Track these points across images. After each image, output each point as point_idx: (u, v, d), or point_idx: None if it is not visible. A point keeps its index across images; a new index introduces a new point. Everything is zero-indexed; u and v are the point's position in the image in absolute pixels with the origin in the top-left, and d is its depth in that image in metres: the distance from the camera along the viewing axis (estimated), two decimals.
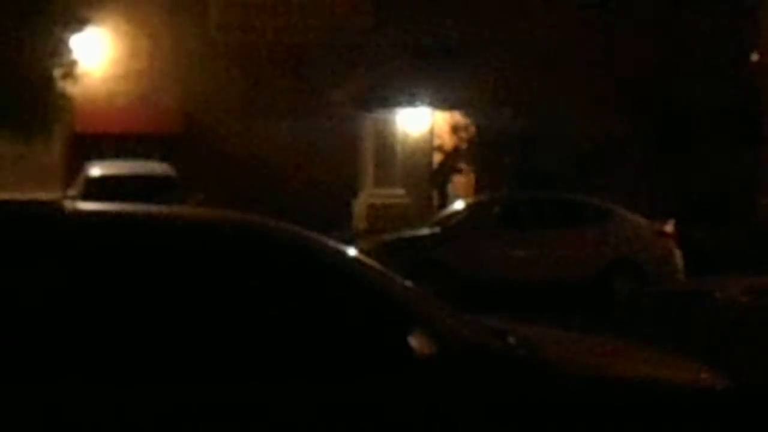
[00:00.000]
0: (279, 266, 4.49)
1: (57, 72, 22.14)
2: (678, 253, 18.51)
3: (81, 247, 4.37)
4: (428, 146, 27.50)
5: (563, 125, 24.01)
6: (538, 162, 24.11)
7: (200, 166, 25.17)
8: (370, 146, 27.11)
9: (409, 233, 19.02)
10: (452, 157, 26.94)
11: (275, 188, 26.08)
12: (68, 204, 5.86)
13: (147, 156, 23.16)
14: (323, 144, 26.66)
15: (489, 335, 4.74)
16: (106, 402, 4.06)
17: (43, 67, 21.71)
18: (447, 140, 27.07)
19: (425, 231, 18.84)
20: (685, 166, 25.22)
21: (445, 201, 25.86)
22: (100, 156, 22.29)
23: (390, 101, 26.24)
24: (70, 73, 22.45)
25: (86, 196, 17.30)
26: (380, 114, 26.72)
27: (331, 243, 4.79)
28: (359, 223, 26.31)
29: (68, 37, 22.70)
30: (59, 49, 22.18)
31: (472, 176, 26.86)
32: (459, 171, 27.04)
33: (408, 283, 4.83)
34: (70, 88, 22.74)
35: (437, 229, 18.70)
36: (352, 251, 4.85)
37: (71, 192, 19.41)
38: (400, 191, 26.82)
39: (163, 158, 22.63)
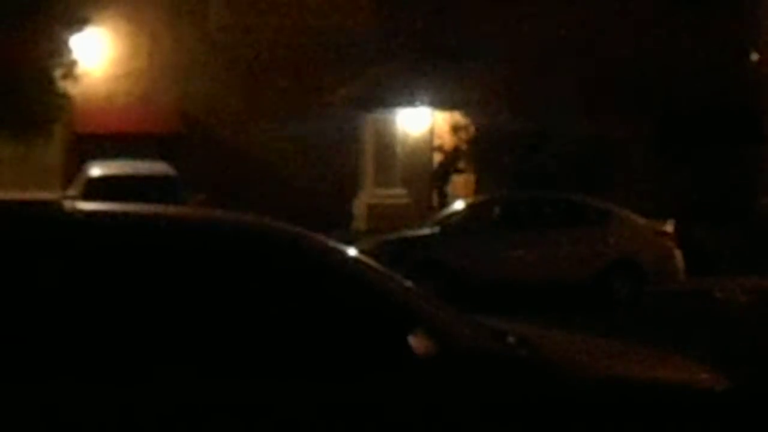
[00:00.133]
0: (279, 266, 4.49)
1: (57, 72, 22.14)
2: (678, 253, 18.52)
3: (81, 247, 4.37)
4: (428, 146, 27.51)
5: (563, 125, 24.01)
6: (538, 162, 24.11)
7: (200, 166, 25.17)
8: (370, 146, 27.12)
9: (409, 233, 19.02)
10: (452, 157, 26.94)
11: (275, 188, 26.09)
12: (68, 204, 5.86)
13: (147, 156, 23.14)
14: (323, 144, 26.66)
15: (489, 335, 4.74)
16: (106, 402, 4.06)
17: (43, 67, 21.71)
18: (447, 140, 27.07)
19: (425, 231, 18.84)
20: (685, 166, 25.24)
21: (445, 201, 25.86)
22: (100, 156, 22.25)
23: (390, 101, 26.25)
24: (70, 73, 22.45)
25: (86, 196, 17.27)
26: (380, 114, 26.73)
27: (331, 243, 4.79)
28: (359, 223, 26.32)
29: (68, 37, 22.71)
30: (59, 49, 22.19)
31: (472, 176, 26.85)
32: (460, 171, 27.04)
33: (408, 283, 4.83)
34: (70, 88, 22.74)
35: (437, 229, 18.70)
36: (352, 251, 4.85)
37: (71, 192, 19.39)
38: (400, 191, 26.82)
39: (162, 158, 22.61)
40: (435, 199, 27.04)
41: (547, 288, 17.84)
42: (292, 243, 4.66)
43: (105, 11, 25.67)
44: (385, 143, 26.96)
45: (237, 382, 4.17)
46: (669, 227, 18.79)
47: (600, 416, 4.46)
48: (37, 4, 21.32)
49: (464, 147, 26.46)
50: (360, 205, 26.98)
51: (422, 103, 26.29)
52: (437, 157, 27.48)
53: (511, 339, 4.78)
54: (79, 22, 22.98)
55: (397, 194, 26.70)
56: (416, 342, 4.29)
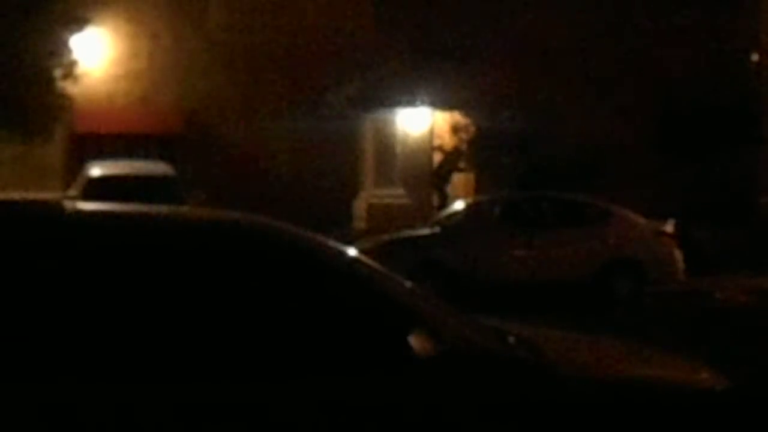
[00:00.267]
0: (279, 266, 4.48)
1: (57, 72, 22.14)
2: (678, 253, 18.52)
3: (81, 247, 4.37)
4: (428, 146, 27.51)
5: (563, 125, 24.02)
6: (538, 162, 24.11)
7: (200, 165, 25.20)
8: (370, 146, 27.12)
9: (409, 233, 19.02)
10: (452, 157, 26.95)
11: (275, 188, 26.09)
12: (68, 204, 5.85)
13: (147, 156, 23.15)
14: (323, 144, 26.66)
15: (489, 335, 4.74)
16: (106, 402, 4.06)
17: (43, 67, 21.72)
18: (447, 140, 27.08)
19: (425, 231, 18.84)
20: (685, 166, 25.24)
21: (445, 201, 25.87)
22: (100, 156, 22.26)
23: (390, 101, 26.25)
24: (70, 73, 22.45)
25: (86, 196, 17.27)
26: (380, 114, 26.73)
27: (331, 243, 4.79)
28: (359, 223, 26.32)
29: (68, 37, 22.71)
30: (59, 49, 22.19)
31: (472, 176, 26.86)
32: (461, 170, 27.04)
33: (408, 283, 4.83)
34: (70, 88, 22.74)
35: (437, 229, 18.70)
36: (352, 251, 4.85)
37: (71, 192, 19.40)
38: (400, 191, 26.83)
39: (162, 158, 22.62)
40: (435, 199, 27.05)
41: (547, 288, 17.84)
42: (292, 243, 4.66)
43: (105, 11, 25.68)
44: (385, 143, 26.97)
45: (237, 383, 4.17)
46: (669, 227, 18.79)
47: (600, 416, 4.46)
48: (37, 4, 21.32)
49: (464, 147, 26.47)
50: (360, 205, 26.98)
51: (422, 103, 26.30)
52: (437, 157, 27.49)
53: (511, 339, 4.78)
54: (79, 22, 22.99)
55: (397, 194, 26.70)
56: (416, 342, 4.29)
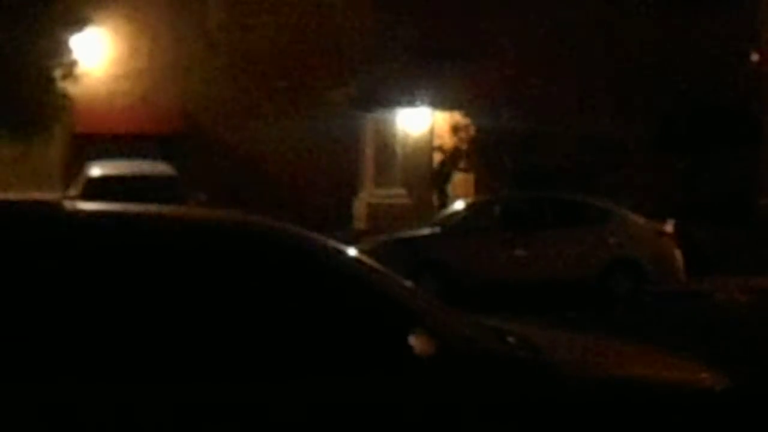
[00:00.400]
0: (279, 266, 4.48)
1: (57, 72, 22.14)
2: (678, 253, 18.52)
3: (81, 247, 4.37)
4: (428, 146, 27.50)
5: (563, 125, 24.02)
6: (538, 162, 24.11)
7: (200, 166, 25.18)
8: (370, 146, 27.12)
9: (409, 233, 19.02)
10: (452, 157, 26.94)
11: (275, 188, 26.10)
12: (68, 204, 5.86)
13: (147, 156, 23.15)
14: (323, 144, 26.67)
15: (489, 335, 4.74)
16: (107, 402, 4.06)
17: (43, 67, 21.71)
18: (447, 140, 27.07)
19: (425, 231, 18.85)
20: (685, 166, 25.23)
21: (445, 201, 25.86)
22: (100, 156, 22.26)
23: (390, 101, 26.25)
24: (70, 73, 22.45)
25: (86, 196, 17.28)
26: (380, 114, 26.73)
27: (331, 243, 4.79)
28: (359, 223, 26.32)
29: (68, 37, 22.70)
30: (59, 49, 22.19)
31: (472, 176, 26.86)
32: (461, 170, 27.04)
33: (408, 283, 4.83)
34: (70, 88, 22.74)
35: (437, 229, 18.71)
36: (352, 251, 4.85)
37: (71, 192, 19.40)
38: (400, 191, 26.83)
39: (163, 158, 22.62)
40: (435, 199, 27.04)
41: (546, 288, 17.84)
42: (293, 243, 4.66)
43: (105, 11, 25.67)
44: (385, 143, 26.97)
45: (237, 383, 4.17)
46: (669, 227, 18.80)
47: (600, 416, 4.46)
48: (37, 4, 21.32)
49: (464, 147, 26.46)
50: (360, 205, 26.98)
51: (422, 103, 26.29)
52: (437, 157, 27.48)
53: (511, 339, 4.78)
54: (79, 22, 22.99)
55: (397, 194, 26.70)
56: (416, 342, 4.29)
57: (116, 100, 26.76)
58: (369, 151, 27.18)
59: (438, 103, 26.30)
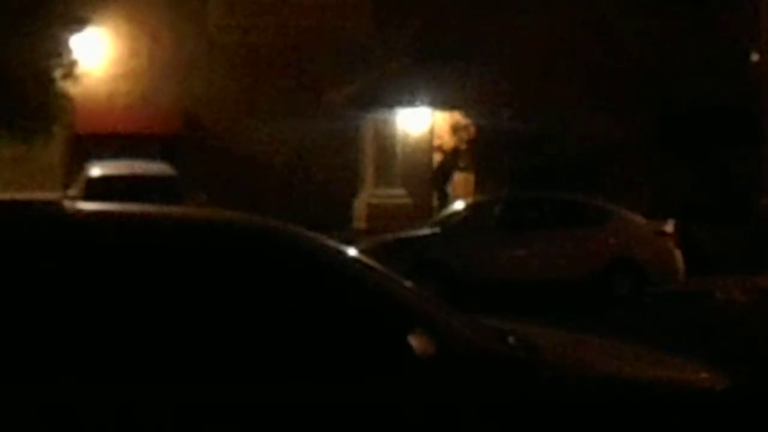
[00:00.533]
0: (279, 266, 4.48)
1: (57, 72, 22.13)
2: (678, 253, 18.52)
3: (81, 248, 4.37)
4: (428, 146, 27.50)
5: (563, 125, 24.01)
6: (538, 162, 24.11)
7: (200, 166, 25.18)
8: (370, 146, 27.12)
9: (409, 233, 19.02)
10: (452, 157, 26.94)
11: (275, 188, 26.09)
12: (68, 204, 5.86)
13: (148, 156, 23.15)
14: (323, 144, 26.66)
15: (489, 336, 4.74)
16: (106, 402, 4.06)
17: (43, 67, 21.71)
18: (447, 140, 27.07)
19: (425, 231, 18.84)
20: (684, 166, 25.22)
21: (445, 201, 25.86)
22: (100, 156, 22.26)
23: (390, 101, 26.25)
24: (70, 73, 22.44)
25: (86, 196, 17.30)
26: (380, 114, 26.73)
27: (331, 243, 4.79)
28: (359, 223, 26.32)
29: (68, 37, 22.70)
30: (59, 49, 22.18)
31: (472, 176, 26.85)
32: (461, 170, 27.03)
33: (408, 283, 4.83)
34: (70, 88, 22.73)
35: (437, 229, 18.70)
36: (352, 251, 4.85)
37: (71, 192, 19.42)
38: (400, 191, 26.83)
39: (163, 158, 22.63)
40: (435, 199, 27.04)
41: (546, 288, 17.85)
42: (292, 243, 4.66)
43: (105, 11, 25.67)
44: (385, 143, 26.96)
45: (237, 383, 4.17)
46: (669, 227, 18.80)
47: (600, 416, 4.46)
48: (37, 4, 21.31)
49: (464, 147, 26.46)
50: (360, 205, 26.98)
51: (422, 103, 26.29)
52: (437, 157, 27.48)
53: (511, 339, 4.78)
54: (79, 22, 22.98)
55: (397, 194, 26.70)
56: (416, 342, 4.29)
57: (116, 100, 26.76)
58: (369, 151, 27.17)
59: (438, 103, 26.30)
